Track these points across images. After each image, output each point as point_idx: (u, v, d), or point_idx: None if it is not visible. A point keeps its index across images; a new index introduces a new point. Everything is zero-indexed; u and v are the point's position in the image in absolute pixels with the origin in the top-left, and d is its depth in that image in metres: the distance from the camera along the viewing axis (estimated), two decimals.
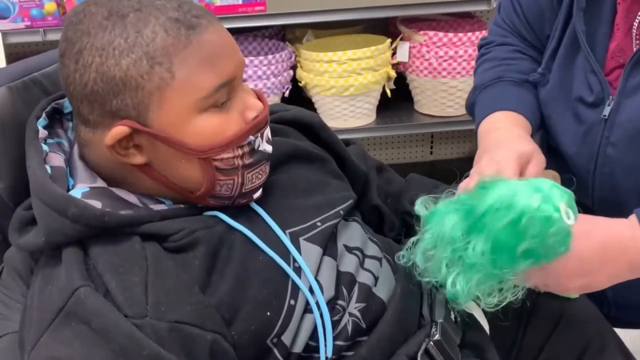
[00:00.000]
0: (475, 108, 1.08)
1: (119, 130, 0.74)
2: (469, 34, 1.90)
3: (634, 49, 0.90)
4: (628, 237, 0.79)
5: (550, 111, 1.04)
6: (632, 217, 0.80)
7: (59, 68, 0.77)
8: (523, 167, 0.90)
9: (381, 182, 1.07)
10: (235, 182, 0.80)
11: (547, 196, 0.78)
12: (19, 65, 0.89)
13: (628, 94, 0.90)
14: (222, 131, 0.77)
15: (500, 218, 0.77)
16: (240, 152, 0.78)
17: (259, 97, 0.84)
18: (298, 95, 2.04)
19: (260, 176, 0.83)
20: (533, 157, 0.92)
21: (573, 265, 0.80)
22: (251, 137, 0.79)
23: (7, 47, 1.88)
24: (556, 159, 1.06)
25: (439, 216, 0.83)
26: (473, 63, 1.92)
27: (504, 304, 0.82)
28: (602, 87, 0.93)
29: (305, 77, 1.96)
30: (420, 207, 0.89)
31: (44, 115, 0.83)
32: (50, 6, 1.82)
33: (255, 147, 0.80)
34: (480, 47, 1.18)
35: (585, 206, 1.00)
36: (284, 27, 2.19)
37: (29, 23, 1.84)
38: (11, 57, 1.96)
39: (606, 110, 0.92)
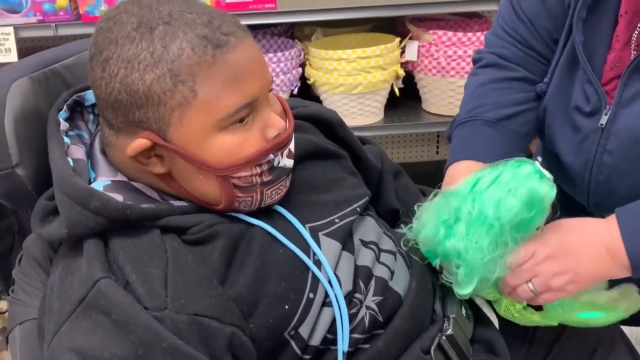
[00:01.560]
0: (450, 145, 1.09)
1: (140, 143, 0.75)
2: (478, 33, 1.91)
3: (631, 59, 0.92)
4: (603, 227, 0.86)
5: (550, 119, 1.05)
6: (611, 215, 0.86)
7: (88, 70, 0.78)
8: None
9: (398, 188, 1.08)
10: (254, 199, 0.80)
11: (526, 160, 0.87)
12: (39, 56, 0.91)
13: (625, 103, 0.92)
14: (241, 150, 0.76)
15: (486, 180, 0.87)
16: (258, 170, 0.78)
17: (285, 110, 0.84)
18: (306, 92, 2.04)
19: (280, 191, 0.83)
20: None
21: (555, 247, 0.86)
22: (271, 156, 0.79)
23: (19, 42, 1.88)
24: (556, 165, 1.08)
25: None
26: None
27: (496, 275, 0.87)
28: (599, 96, 0.95)
29: (314, 75, 1.97)
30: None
31: (65, 107, 0.84)
32: (62, 1, 1.83)
33: (275, 164, 0.80)
34: (473, 61, 1.16)
35: (584, 210, 1.05)
36: (293, 25, 2.20)
37: (40, 18, 1.86)
38: (23, 52, 1.97)
39: (603, 119, 0.94)
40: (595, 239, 0.86)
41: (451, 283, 0.89)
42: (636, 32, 0.91)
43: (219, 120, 0.75)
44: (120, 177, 0.81)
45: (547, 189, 0.84)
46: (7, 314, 0.99)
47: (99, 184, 0.79)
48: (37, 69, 0.87)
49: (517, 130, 1.05)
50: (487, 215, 0.84)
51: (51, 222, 0.78)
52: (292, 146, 0.83)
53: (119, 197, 0.77)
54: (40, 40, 2.26)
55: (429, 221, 0.89)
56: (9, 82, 0.82)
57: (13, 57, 1.88)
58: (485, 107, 1.06)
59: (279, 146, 0.80)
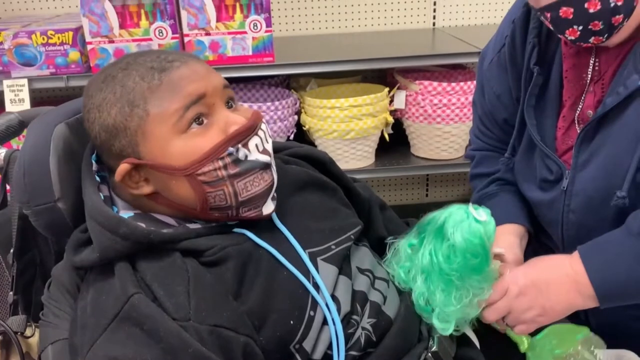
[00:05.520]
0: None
1: (122, 167, 0.87)
2: (462, 83, 2.03)
3: (578, 132, 1.08)
4: (567, 261, 0.99)
5: (522, 189, 1.22)
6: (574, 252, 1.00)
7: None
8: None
9: (384, 219, 1.18)
10: (226, 192, 0.87)
11: (462, 207, 0.98)
12: (73, 104, 1.02)
13: (579, 168, 1.07)
14: (201, 148, 0.85)
15: (433, 226, 0.99)
16: (221, 163, 0.85)
17: (254, 113, 0.91)
18: (302, 138, 2.16)
19: (257, 184, 0.88)
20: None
21: (523, 285, 0.99)
22: (231, 149, 0.86)
23: (32, 92, 1.98)
24: (541, 228, 1.23)
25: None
26: (465, 110, 2.07)
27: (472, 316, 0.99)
28: (559, 166, 1.10)
29: (309, 122, 2.08)
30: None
31: (95, 151, 0.96)
32: (74, 55, 1.95)
33: (240, 157, 0.86)
34: (469, 158, 1.37)
35: None
36: (289, 76, 2.33)
37: (53, 70, 1.97)
38: (34, 102, 2.08)
39: (565, 183, 1.09)
40: (560, 273, 0.98)
41: (432, 322, 0.99)
42: (578, 111, 1.08)
43: (173, 124, 0.85)
44: (138, 210, 0.92)
45: (482, 232, 0.94)
46: (31, 339, 1.07)
47: (124, 215, 0.89)
48: (71, 115, 0.99)
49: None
50: (443, 270, 0.96)
51: (83, 252, 0.88)
52: (266, 144, 0.89)
53: (142, 225, 0.87)
54: (53, 91, 2.37)
55: (397, 273, 1.02)
56: (52, 126, 0.95)
57: (26, 106, 1.95)
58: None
59: (237, 138, 0.86)
